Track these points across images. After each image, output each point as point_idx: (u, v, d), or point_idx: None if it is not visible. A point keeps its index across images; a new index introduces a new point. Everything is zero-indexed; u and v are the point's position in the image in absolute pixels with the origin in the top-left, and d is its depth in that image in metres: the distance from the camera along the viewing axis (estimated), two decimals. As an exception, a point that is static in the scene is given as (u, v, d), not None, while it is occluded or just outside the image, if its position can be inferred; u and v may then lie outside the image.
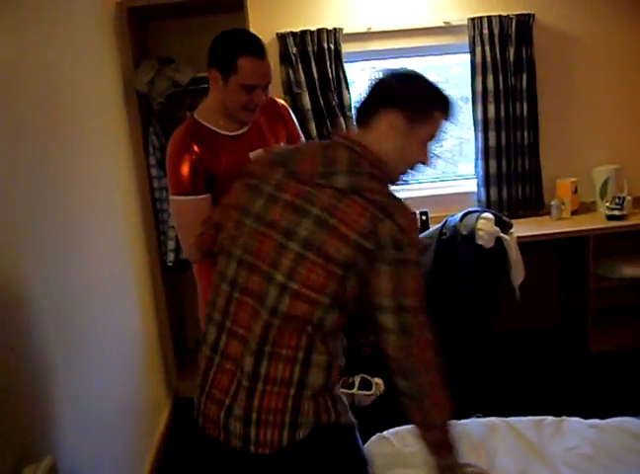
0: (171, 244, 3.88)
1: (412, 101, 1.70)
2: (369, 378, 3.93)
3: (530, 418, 2.50)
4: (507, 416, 2.53)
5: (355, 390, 3.82)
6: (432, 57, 4.59)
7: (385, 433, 2.43)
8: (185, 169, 2.26)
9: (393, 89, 1.71)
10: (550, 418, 2.49)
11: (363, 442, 2.40)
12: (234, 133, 2.38)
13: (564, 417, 2.50)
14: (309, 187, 1.63)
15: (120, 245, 3.28)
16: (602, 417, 2.50)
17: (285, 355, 1.60)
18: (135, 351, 3.35)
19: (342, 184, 1.60)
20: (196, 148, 2.28)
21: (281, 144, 2.50)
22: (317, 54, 4.10)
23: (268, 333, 1.60)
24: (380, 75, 1.75)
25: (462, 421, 2.51)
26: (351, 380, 3.91)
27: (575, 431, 2.38)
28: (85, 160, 2.82)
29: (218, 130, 2.36)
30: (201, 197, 2.28)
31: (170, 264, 3.93)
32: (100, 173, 3.03)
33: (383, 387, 3.92)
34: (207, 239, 1.89)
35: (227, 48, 2.23)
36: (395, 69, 1.78)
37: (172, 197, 2.34)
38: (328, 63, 4.10)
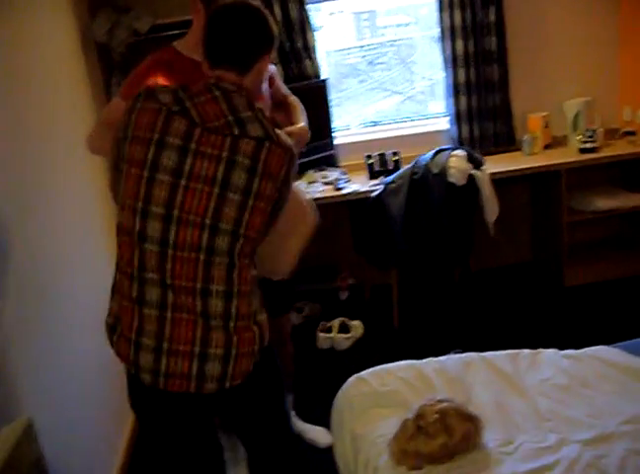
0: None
1: None
2: (347, 322, 3.95)
3: (507, 351, 2.52)
4: (485, 351, 2.55)
5: (333, 334, 3.83)
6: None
7: (363, 373, 2.44)
8: (141, 85, 2.15)
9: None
10: (526, 350, 2.51)
11: (342, 384, 2.43)
12: None
13: (540, 349, 2.52)
14: (225, 137, 1.68)
15: (87, 205, 3.21)
16: (578, 348, 2.52)
17: (222, 291, 1.72)
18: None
19: (255, 132, 1.70)
20: (161, 79, 2.26)
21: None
22: (280, -4, 4.00)
23: (210, 271, 1.70)
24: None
25: (440, 357, 2.53)
26: (329, 324, 3.92)
27: (550, 362, 2.40)
28: (44, 115, 2.75)
29: (193, 57, 2.31)
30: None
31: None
32: (60, 129, 2.95)
33: (362, 330, 3.94)
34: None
35: None
36: None
37: (114, 98, 2.37)
38: (290, 5, 4.00)
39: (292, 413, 3.04)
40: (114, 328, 1.78)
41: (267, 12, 1.85)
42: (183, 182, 1.67)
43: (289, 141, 1.78)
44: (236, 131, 1.69)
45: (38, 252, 2.40)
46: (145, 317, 1.71)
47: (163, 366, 1.72)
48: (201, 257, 1.69)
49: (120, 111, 2.09)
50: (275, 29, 1.85)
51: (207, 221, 1.67)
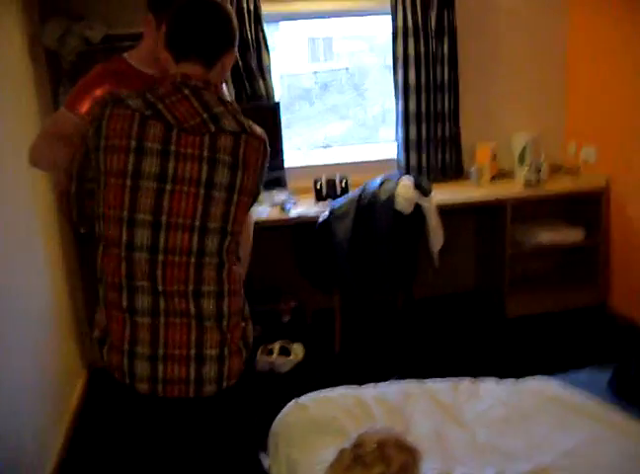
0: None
1: None
2: (288, 345, 3.91)
3: (447, 380, 2.52)
4: (425, 378, 2.54)
5: (274, 356, 3.78)
6: (357, 23, 4.54)
7: (302, 398, 2.40)
8: (88, 95, 2.19)
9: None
10: (466, 380, 2.51)
11: (281, 409, 2.39)
12: (157, 74, 2.32)
13: (480, 377, 2.53)
14: (202, 136, 1.69)
15: (31, 212, 3.14)
16: (518, 378, 2.54)
17: (214, 291, 1.74)
18: (47, 319, 3.23)
19: (230, 127, 1.72)
20: (109, 89, 2.16)
21: None
22: (237, 14, 3.96)
23: (201, 273, 1.72)
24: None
25: (380, 385, 2.52)
26: (270, 347, 3.87)
27: (490, 392, 2.41)
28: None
29: (143, 70, 2.30)
30: (81, 123, 2.12)
31: (83, 231, 3.78)
32: (4, 136, 2.87)
33: (303, 353, 3.91)
34: (69, 208, 1.82)
35: None
36: None
37: (60, 108, 2.28)
38: (247, 24, 3.99)
39: None
40: (102, 341, 1.77)
41: (230, 8, 1.87)
42: (168, 186, 1.66)
43: (260, 130, 1.81)
44: (212, 128, 1.70)
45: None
46: (138, 326, 1.71)
47: (160, 373, 1.72)
48: (192, 259, 1.70)
49: (67, 122, 2.12)
50: (236, 25, 1.87)
51: (197, 223, 1.69)
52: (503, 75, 4.49)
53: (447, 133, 4.36)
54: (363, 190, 3.58)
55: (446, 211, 3.88)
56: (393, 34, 4.20)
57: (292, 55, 4.74)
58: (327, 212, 3.68)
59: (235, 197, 1.72)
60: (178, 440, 1.89)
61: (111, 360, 1.76)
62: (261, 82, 4.09)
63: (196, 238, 1.69)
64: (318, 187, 4.12)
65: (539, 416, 2.26)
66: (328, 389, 2.47)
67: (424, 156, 4.36)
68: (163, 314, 1.71)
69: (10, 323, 2.66)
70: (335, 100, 4.87)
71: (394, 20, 4.16)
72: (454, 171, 4.44)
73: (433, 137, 4.34)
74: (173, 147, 1.67)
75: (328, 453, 2.03)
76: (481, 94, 4.48)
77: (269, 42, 4.09)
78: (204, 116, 1.71)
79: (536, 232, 4.27)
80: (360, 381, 2.57)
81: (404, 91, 4.25)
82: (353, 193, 3.68)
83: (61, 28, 3.52)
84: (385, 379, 2.62)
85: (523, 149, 4.38)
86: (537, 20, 4.43)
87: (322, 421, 2.25)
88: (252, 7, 3.98)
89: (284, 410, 2.36)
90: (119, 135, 1.66)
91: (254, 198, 1.81)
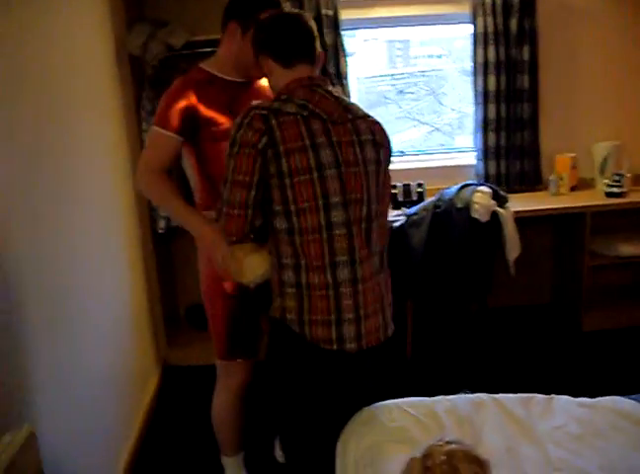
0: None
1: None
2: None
3: (519, 395, 2.46)
4: (496, 392, 2.49)
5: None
6: (435, 28, 4.51)
7: (372, 406, 2.39)
8: (176, 108, 2.32)
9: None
10: (539, 396, 2.45)
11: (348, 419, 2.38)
12: (239, 80, 2.45)
13: (553, 395, 2.47)
14: (347, 123, 1.99)
15: (111, 212, 3.23)
16: (593, 396, 2.47)
17: (377, 250, 2.10)
18: (124, 318, 3.31)
19: (359, 113, 2.06)
20: (193, 98, 2.33)
21: None
22: (315, 20, 3.98)
23: (371, 235, 2.05)
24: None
25: (450, 397, 2.48)
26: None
27: (564, 409, 2.35)
28: (78, 126, 2.78)
29: (225, 77, 2.41)
30: (177, 137, 2.34)
31: (161, 231, 3.88)
32: (92, 139, 2.97)
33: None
34: (237, 222, 1.98)
35: (250, 2, 2.33)
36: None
37: (153, 127, 2.38)
38: (326, 30, 4.01)
39: None
40: (302, 322, 2.00)
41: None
42: (343, 170, 1.95)
43: None
44: (350, 116, 2.01)
45: (52, 261, 2.40)
46: (342, 296, 1.98)
47: (363, 330, 2.02)
48: (364, 226, 2.01)
49: (161, 139, 2.34)
50: None
51: (365, 195, 2.00)
52: (584, 82, 4.39)
53: (527, 141, 4.28)
54: (440, 197, 3.55)
55: (524, 220, 3.81)
56: (473, 40, 4.16)
57: (370, 59, 4.73)
58: (402, 218, 3.67)
59: (380, 167, 2.06)
60: (359, 389, 2.28)
61: (316, 334, 2.00)
62: (338, 87, 4.10)
63: (365, 208, 2.00)
64: (394, 192, 4.10)
65: (614, 435, 2.19)
66: (398, 399, 2.45)
67: (502, 164, 4.30)
68: (360, 281, 2.00)
69: (91, 322, 2.74)
70: (411, 105, 4.84)
71: (474, 25, 4.13)
72: (533, 180, 4.36)
73: (511, 145, 4.27)
74: (335, 138, 1.95)
75: (397, 462, 2.02)
76: (562, 101, 4.39)
77: (346, 48, 4.11)
78: (340, 107, 2.00)
79: (616, 244, 4.15)
80: (430, 390, 2.54)
81: (483, 98, 4.21)
82: (429, 200, 3.66)
83: (145, 34, 3.62)
84: (455, 390, 2.58)
85: (605, 159, 4.27)
86: (620, 25, 4.31)
87: (392, 430, 2.24)
88: (331, 13, 4.00)
89: (355, 417, 2.36)
90: (293, 138, 1.90)
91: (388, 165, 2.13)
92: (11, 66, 2.14)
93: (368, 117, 2.08)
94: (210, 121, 2.35)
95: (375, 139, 2.04)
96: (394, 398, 2.46)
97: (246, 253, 2.10)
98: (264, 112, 1.91)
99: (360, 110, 2.08)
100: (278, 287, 2.05)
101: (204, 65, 2.44)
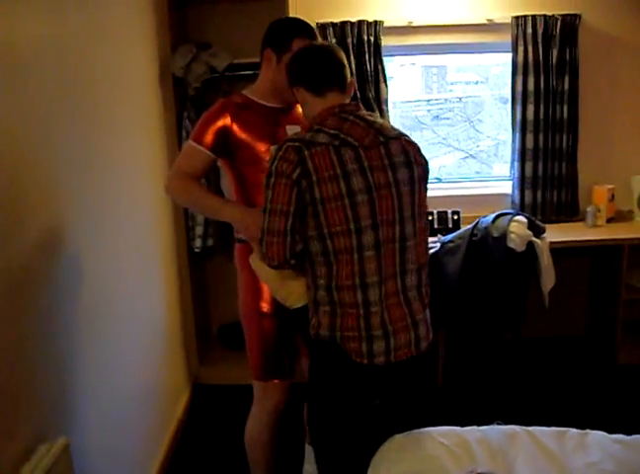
0: (199, 229, 3.88)
1: None
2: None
3: (553, 429, 2.43)
4: (528, 425, 2.46)
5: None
6: (472, 56, 4.53)
7: (403, 434, 2.38)
8: (211, 126, 2.41)
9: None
10: (573, 430, 2.42)
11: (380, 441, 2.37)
12: (277, 106, 2.52)
13: (588, 430, 2.42)
14: (379, 147, 2.05)
15: (149, 229, 3.27)
16: (628, 432, 2.42)
17: (414, 268, 2.14)
18: (158, 335, 3.34)
19: (392, 134, 2.10)
20: (228, 119, 2.42)
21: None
22: (356, 46, 4.06)
23: (405, 254, 2.10)
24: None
25: (482, 427, 2.46)
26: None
27: (599, 445, 2.31)
28: (121, 144, 2.84)
29: (263, 103, 2.50)
30: (209, 153, 2.43)
31: (197, 250, 3.92)
32: (135, 157, 3.03)
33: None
34: (278, 248, 2.03)
35: (284, 30, 2.44)
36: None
37: (188, 141, 2.48)
38: (367, 56, 4.05)
39: None
40: (333, 338, 2.08)
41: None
42: (374, 194, 2.01)
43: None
44: (382, 139, 2.06)
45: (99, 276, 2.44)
46: (372, 315, 2.05)
47: (392, 345, 2.08)
48: (397, 246, 2.07)
49: (194, 153, 2.43)
50: None
51: (397, 215, 2.05)
52: (624, 114, 4.36)
53: (564, 172, 4.26)
54: (476, 225, 3.55)
55: (560, 251, 3.79)
56: (513, 69, 4.17)
57: (406, 83, 4.75)
58: (438, 246, 3.67)
59: (416, 186, 2.10)
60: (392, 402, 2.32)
61: (349, 347, 2.07)
62: (377, 113, 4.12)
63: (398, 228, 2.06)
64: (429, 219, 4.10)
65: (651, 473, 2.15)
66: (430, 427, 2.44)
67: (539, 194, 4.28)
68: (385, 298, 2.07)
69: (125, 338, 2.77)
70: (446, 131, 4.85)
71: (514, 54, 4.14)
72: (570, 210, 4.33)
73: (549, 175, 4.25)
74: (366, 163, 2.01)
75: (428, 493, 2.01)
76: (601, 132, 4.37)
77: (387, 74, 4.13)
78: (372, 131, 2.05)
79: (654, 278, 4.09)
80: (461, 420, 2.52)
81: (522, 127, 4.20)
82: (465, 227, 3.65)
83: (189, 55, 3.68)
84: (487, 421, 2.55)
85: (644, 191, 4.22)
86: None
87: (423, 459, 2.22)
88: (372, 39, 4.04)
89: (385, 444, 2.34)
90: (325, 168, 1.97)
91: (426, 182, 2.18)
92: (62, 85, 2.20)
93: (402, 135, 2.14)
94: (244, 144, 2.43)
95: (409, 159, 2.09)
96: (425, 427, 2.45)
97: (291, 277, 2.20)
98: (297, 144, 1.99)
99: (394, 130, 2.14)
100: (313, 306, 2.13)
101: (246, 91, 2.53)
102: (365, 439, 2.29)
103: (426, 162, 2.17)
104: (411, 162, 2.09)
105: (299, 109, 2.55)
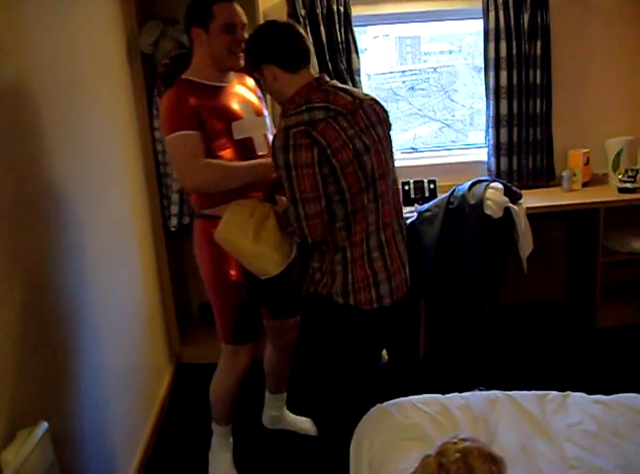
0: (174, 209, 3.84)
1: None
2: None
3: (534, 392, 2.45)
4: (510, 390, 2.48)
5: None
6: (445, 24, 4.49)
7: (386, 404, 2.39)
8: (181, 112, 2.46)
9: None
10: (554, 393, 2.44)
11: (363, 414, 2.38)
12: (222, 84, 2.62)
13: (568, 392, 2.45)
14: (359, 110, 2.23)
15: (124, 209, 3.23)
16: (608, 393, 2.45)
17: (398, 213, 2.42)
18: (137, 316, 3.32)
19: (362, 96, 2.30)
20: (192, 100, 2.48)
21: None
22: (326, 17, 4.00)
23: (396, 202, 2.40)
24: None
25: (464, 393, 2.48)
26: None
27: (579, 406, 2.34)
28: (91, 123, 2.80)
29: (208, 82, 2.57)
30: (195, 133, 2.47)
31: (173, 229, 3.89)
32: (105, 136, 2.98)
33: (386, 358, 3.88)
34: (321, 226, 2.20)
35: (201, 3, 2.52)
36: None
37: (168, 137, 2.49)
38: (337, 26, 4.00)
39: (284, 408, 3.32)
40: (346, 293, 2.29)
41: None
42: (371, 152, 2.22)
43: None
44: (358, 103, 2.24)
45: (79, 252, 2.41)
46: (374, 260, 2.28)
47: (394, 284, 2.34)
48: (388, 196, 2.31)
49: (186, 139, 2.45)
50: None
51: (386, 168, 2.29)
52: (597, 77, 4.34)
53: (539, 137, 4.26)
54: (452, 193, 3.54)
55: (536, 216, 3.80)
56: (485, 35, 4.13)
57: (380, 55, 4.71)
58: (415, 215, 3.66)
59: (389, 140, 2.34)
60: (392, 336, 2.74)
61: (360, 299, 2.29)
62: (350, 84, 4.09)
63: (389, 179, 2.32)
64: (406, 189, 4.09)
65: (632, 433, 2.17)
66: (412, 396, 2.45)
67: (514, 160, 4.27)
68: (385, 245, 2.30)
69: (104, 319, 2.75)
70: (422, 101, 4.82)
71: (486, 20, 4.10)
72: (545, 176, 4.33)
73: (524, 141, 4.25)
74: (357, 127, 2.20)
75: (411, 460, 2.01)
76: (574, 97, 4.35)
77: (358, 44, 4.09)
78: (349, 97, 2.23)
79: (630, 240, 4.12)
80: (444, 388, 2.54)
81: (495, 93, 4.18)
82: (441, 196, 3.64)
83: (157, 31, 3.62)
84: (469, 387, 2.57)
85: (618, 154, 4.23)
86: (633, 20, 4.25)
87: (406, 427, 2.23)
88: (342, 9, 3.99)
89: (368, 414, 2.35)
90: (334, 139, 2.13)
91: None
92: (22, 65, 2.15)
93: (367, 95, 2.34)
94: (207, 123, 2.50)
95: (379, 117, 2.31)
96: (407, 395, 2.46)
97: (274, 248, 2.42)
98: (301, 128, 2.11)
99: (360, 92, 2.36)
100: (329, 267, 2.29)
101: (185, 75, 2.60)
102: (370, 370, 2.57)
103: (388, 115, 2.37)
104: (381, 119, 2.31)
105: (246, 80, 2.76)
